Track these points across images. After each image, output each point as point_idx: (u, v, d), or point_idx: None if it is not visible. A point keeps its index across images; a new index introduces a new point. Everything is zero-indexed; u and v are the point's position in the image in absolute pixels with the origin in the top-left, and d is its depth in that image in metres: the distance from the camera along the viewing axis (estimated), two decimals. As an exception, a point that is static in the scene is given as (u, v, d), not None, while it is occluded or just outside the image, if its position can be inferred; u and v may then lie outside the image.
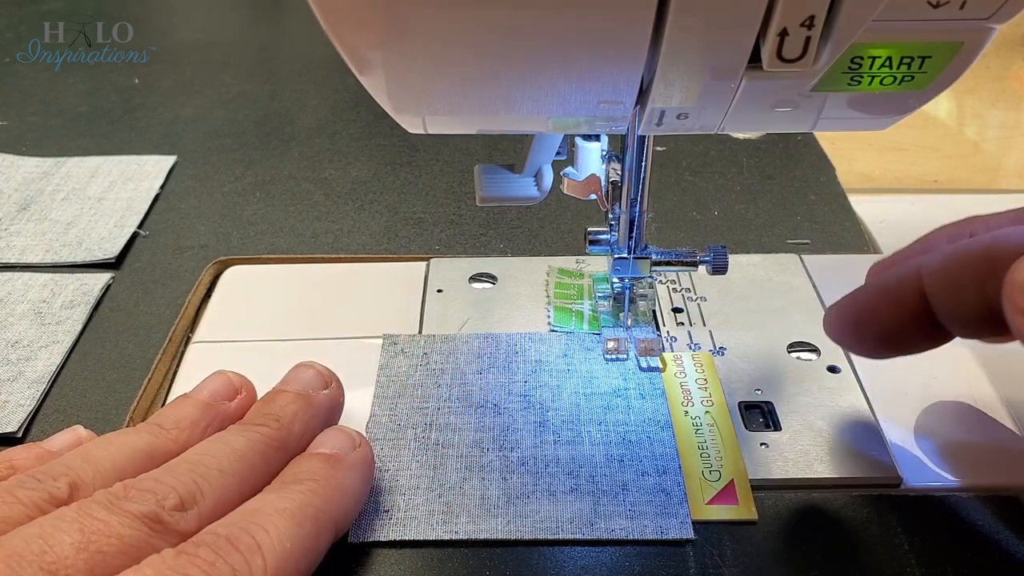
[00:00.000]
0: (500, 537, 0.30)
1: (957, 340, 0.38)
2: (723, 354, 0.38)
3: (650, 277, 0.37)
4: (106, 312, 0.42)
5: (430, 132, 0.28)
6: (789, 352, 0.38)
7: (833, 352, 0.38)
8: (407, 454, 0.33)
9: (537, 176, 0.36)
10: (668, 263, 0.36)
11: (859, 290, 0.31)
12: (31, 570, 0.23)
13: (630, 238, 0.35)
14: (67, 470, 0.27)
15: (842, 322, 0.31)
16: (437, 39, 0.23)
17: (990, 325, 0.27)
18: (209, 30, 0.76)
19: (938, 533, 0.30)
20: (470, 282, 0.43)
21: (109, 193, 0.51)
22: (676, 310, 0.41)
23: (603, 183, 0.35)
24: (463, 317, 0.40)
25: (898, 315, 0.29)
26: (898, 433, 0.34)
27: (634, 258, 0.36)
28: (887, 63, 0.24)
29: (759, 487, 0.32)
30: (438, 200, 0.50)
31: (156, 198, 0.51)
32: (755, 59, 0.23)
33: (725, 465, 0.33)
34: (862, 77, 0.24)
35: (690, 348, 0.38)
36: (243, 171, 0.54)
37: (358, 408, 0.35)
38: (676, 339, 0.39)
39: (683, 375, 0.37)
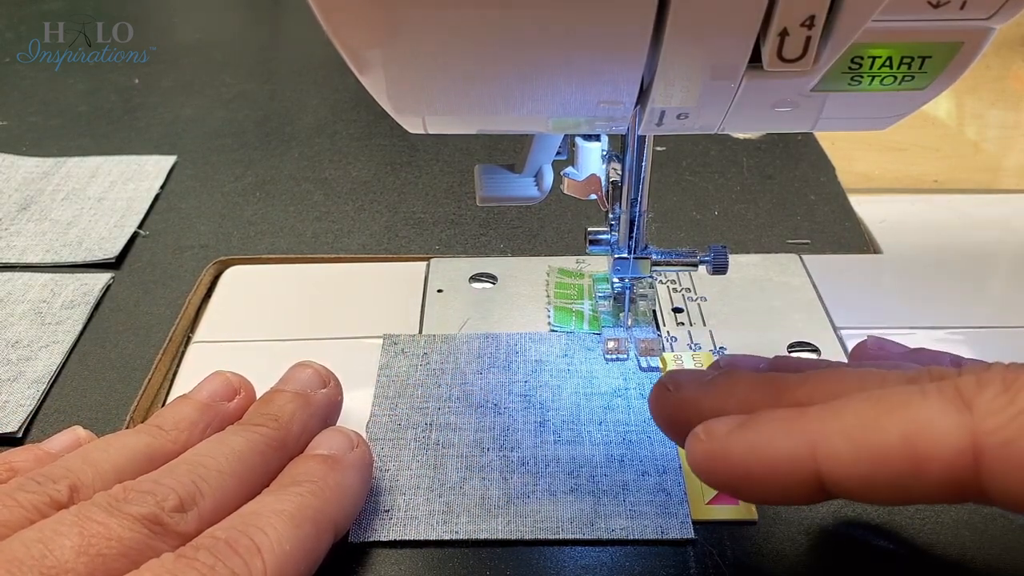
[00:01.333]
0: (500, 537, 0.30)
1: (957, 340, 0.38)
2: (723, 354, 0.38)
3: (650, 277, 0.37)
4: (106, 312, 0.42)
5: (430, 132, 0.28)
6: (789, 352, 0.38)
7: (833, 352, 0.38)
8: (407, 454, 0.33)
9: (537, 176, 0.36)
10: (668, 263, 0.36)
11: (725, 435, 0.24)
12: (31, 574, 0.23)
13: (630, 238, 0.35)
14: (67, 472, 0.27)
15: (703, 467, 0.25)
16: (437, 39, 0.23)
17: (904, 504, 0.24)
18: (209, 30, 0.76)
19: (938, 533, 0.30)
20: (470, 282, 0.43)
21: (109, 193, 0.51)
22: (676, 310, 0.41)
23: (603, 183, 0.35)
24: (463, 317, 0.40)
25: (783, 493, 0.24)
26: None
27: (634, 258, 0.36)
28: (887, 63, 0.24)
29: (759, 487, 0.32)
30: (438, 200, 0.50)
31: (156, 198, 0.51)
32: (755, 59, 0.23)
33: (725, 465, 0.32)
34: (862, 77, 0.24)
35: (690, 348, 0.38)
36: (243, 171, 0.54)
37: (358, 408, 0.35)
38: (676, 339, 0.39)
39: (683, 375, 0.37)
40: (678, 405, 0.27)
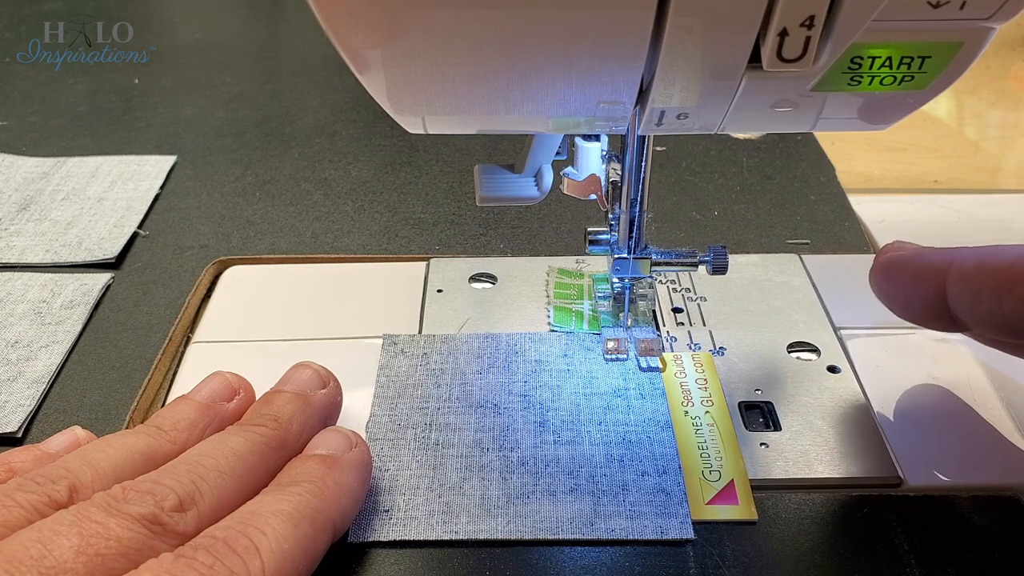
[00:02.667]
0: (500, 537, 0.30)
1: (957, 340, 0.38)
2: (723, 354, 0.38)
3: (650, 277, 0.37)
4: (106, 312, 0.42)
5: (430, 132, 0.28)
6: (789, 352, 0.38)
7: (833, 352, 0.38)
8: (407, 454, 0.33)
9: (537, 176, 0.36)
10: (668, 263, 0.36)
11: (899, 254, 0.33)
12: (31, 575, 0.23)
13: (630, 238, 0.35)
14: (66, 473, 0.27)
15: (876, 279, 0.34)
16: (437, 39, 0.23)
17: (999, 332, 0.29)
18: (209, 30, 0.76)
19: (938, 533, 0.30)
20: (470, 282, 0.43)
21: (109, 193, 0.51)
22: (676, 310, 0.41)
23: (603, 183, 0.35)
24: (463, 317, 0.40)
25: (919, 296, 0.31)
26: (898, 433, 0.34)
27: (634, 258, 0.36)
28: (887, 63, 0.24)
29: (759, 487, 0.32)
30: (438, 200, 0.50)
31: (156, 198, 0.51)
32: (755, 59, 0.23)
33: (725, 465, 0.33)
34: (862, 77, 0.24)
35: (690, 348, 0.38)
36: (243, 171, 0.54)
37: (358, 408, 0.35)
38: (676, 339, 0.39)
39: (683, 375, 0.37)
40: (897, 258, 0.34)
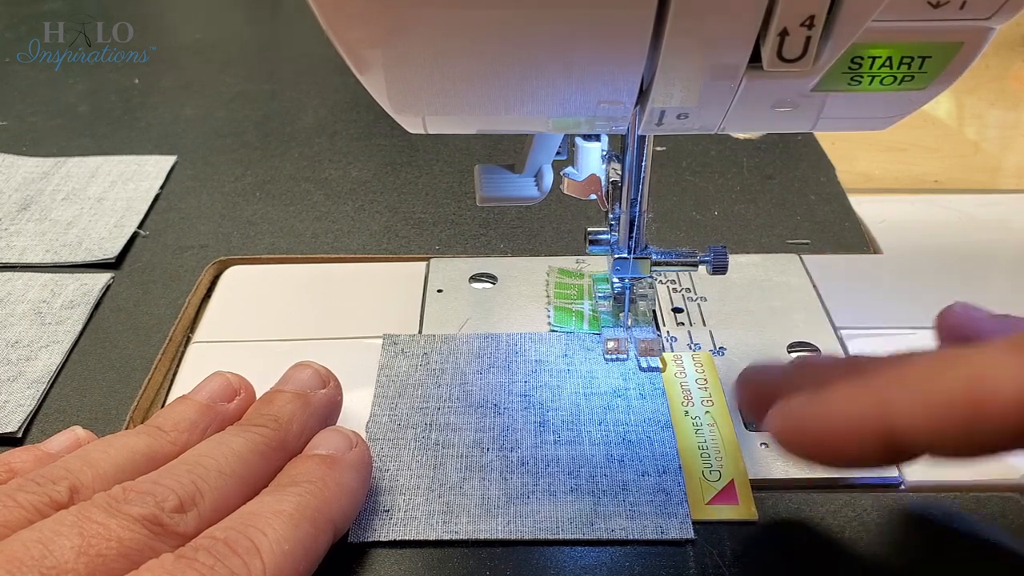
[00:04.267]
0: (500, 537, 0.30)
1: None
2: (723, 354, 0.38)
3: (650, 277, 0.37)
4: (106, 312, 0.42)
5: (430, 132, 0.28)
6: (789, 352, 0.38)
7: (833, 352, 0.38)
8: (407, 454, 0.33)
9: (537, 176, 0.36)
10: (668, 263, 0.36)
11: (798, 419, 0.26)
12: (32, 575, 0.23)
13: (630, 238, 0.35)
14: (67, 473, 0.27)
15: (785, 438, 0.26)
16: (437, 39, 0.23)
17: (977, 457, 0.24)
18: (209, 30, 0.76)
19: (938, 533, 0.30)
20: (470, 282, 0.43)
21: (109, 193, 0.51)
22: (676, 310, 0.41)
23: (603, 183, 0.35)
24: (463, 317, 0.40)
25: (861, 457, 0.25)
26: (898, 433, 0.34)
27: (634, 258, 0.36)
28: (887, 63, 0.24)
29: (759, 487, 0.32)
30: (438, 200, 0.50)
31: (156, 198, 0.51)
32: (755, 59, 0.23)
33: (725, 465, 0.33)
34: (862, 77, 0.24)
35: (690, 348, 0.38)
36: (243, 171, 0.54)
37: (358, 408, 0.35)
38: (676, 339, 0.39)
39: (683, 375, 0.37)
40: (758, 390, 0.29)
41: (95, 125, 0.60)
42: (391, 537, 0.30)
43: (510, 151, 0.56)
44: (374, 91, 0.25)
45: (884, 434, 0.23)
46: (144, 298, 0.43)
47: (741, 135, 0.56)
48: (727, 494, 0.32)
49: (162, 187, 0.52)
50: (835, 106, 0.26)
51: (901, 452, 0.24)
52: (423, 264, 0.44)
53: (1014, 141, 0.60)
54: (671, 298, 0.41)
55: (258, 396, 0.33)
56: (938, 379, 0.23)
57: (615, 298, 0.39)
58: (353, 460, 0.30)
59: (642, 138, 0.33)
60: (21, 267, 0.45)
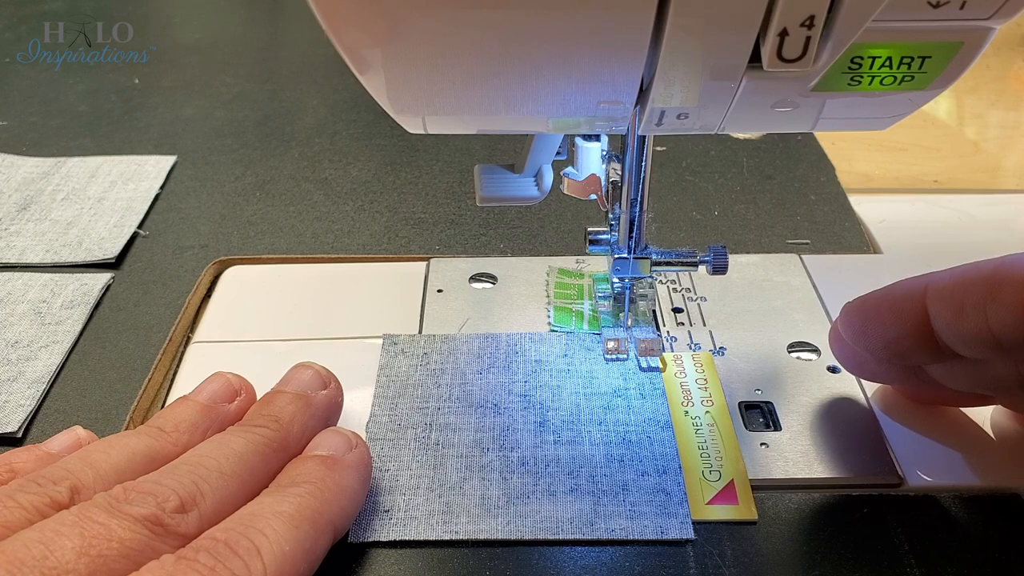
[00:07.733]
0: (500, 537, 0.30)
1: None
2: (723, 354, 0.38)
3: (650, 277, 0.37)
4: (106, 312, 0.42)
5: (430, 132, 0.28)
6: (789, 352, 0.38)
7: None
8: (407, 454, 0.33)
9: (537, 176, 0.36)
10: (668, 263, 0.36)
11: (868, 296, 0.32)
12: (32, 575, 0.23)
13: (630, 238, 0.35)
14: (67, 474, 0.27)
15: (851, 325, 0.32)
16: (437, 39, 0.23)
17: (986, 348, 0.28)
18: (209, 30, 0.76)
19: (938, 533, 0.30)
20: (470, 282, 0.43)
21: (109, 193, 0.51)
22: (676, 310, 0.41)
23: (603, 183, 0.35)
24: (463, 317, 0.40)
25: (900, 325, 0.30)
26: (898, 433, 0.34)
27: (634, 258, 0.36)
28: (887, 63, 0.24)
29: (759, 487, 0.32)
30: (438, 200, 0.50)
31: (156, 198, 0.51)
32: (755, 59, 0.23)
33: (725, 465, 0.33)
34: (862, 77, 0.24)
35: (690, 348, 0.38)
36: (243, 171, 0.54)
37: (358, 408, 0.35)
38: (676, 339, 0.39)
39: (683, 375, 0.37)
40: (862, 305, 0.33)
41: (95, 125, 0.60)
42: (391, 537, 0.30)
43: (510, 151, 0.56)
44: (374, 91, 0.25)
45: (923, 308, 0.29)
46: (144, 298, 0.43)
47: (741, 135, 0.56)
48: (727, 494, 0.32)
49: (162, 187, 0.52)
50: (835, 106, 0.26)
51: (932, 334, 0.29)
52: (423, 264, 0.44)
53: (1014, 141, 0.60)
54: (671, 298, 0.41)
55: (259, 396, 0.33)
56: (972, 265, 0.28)
57: (615, 298, 0.39)
58: (353, 461, 0.30)
59: (642, 138, 0.33)
60: (21, 267, 0.45)
